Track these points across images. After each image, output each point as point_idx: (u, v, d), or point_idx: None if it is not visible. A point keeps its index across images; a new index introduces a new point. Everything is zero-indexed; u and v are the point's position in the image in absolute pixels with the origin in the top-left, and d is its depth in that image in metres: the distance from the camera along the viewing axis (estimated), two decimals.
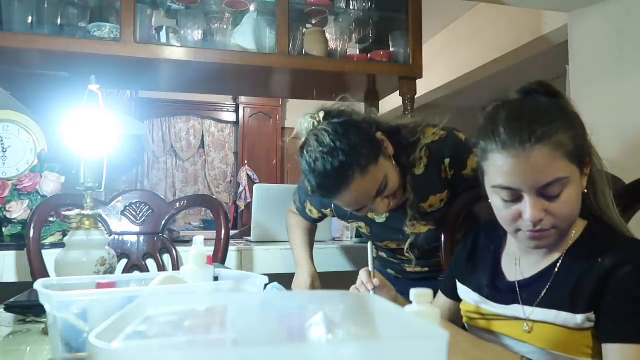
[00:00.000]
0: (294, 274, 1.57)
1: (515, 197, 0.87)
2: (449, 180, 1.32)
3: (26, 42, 1.85)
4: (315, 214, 1.54)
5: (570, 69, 2.61)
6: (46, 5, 1.94)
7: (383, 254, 1.52)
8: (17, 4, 1.91)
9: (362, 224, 1.47)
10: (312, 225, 1.64)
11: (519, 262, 0.98)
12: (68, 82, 2.10)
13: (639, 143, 2.07)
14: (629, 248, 0.86)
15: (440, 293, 1.16)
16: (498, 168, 0.87)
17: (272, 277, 1.01)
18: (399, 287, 1.17)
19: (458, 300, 1.10)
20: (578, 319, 0.83)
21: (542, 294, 0.90)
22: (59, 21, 1.97)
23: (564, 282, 0.88)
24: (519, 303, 0.92)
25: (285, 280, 1.30)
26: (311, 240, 1.63)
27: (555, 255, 0.92)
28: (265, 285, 0.92)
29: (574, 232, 0.92)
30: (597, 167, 0.94)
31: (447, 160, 1.30)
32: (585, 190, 0.91)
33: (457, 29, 4.16)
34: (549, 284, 0.90)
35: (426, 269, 1.47)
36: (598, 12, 2.40)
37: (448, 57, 4.20)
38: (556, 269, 0.90)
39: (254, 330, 0.56)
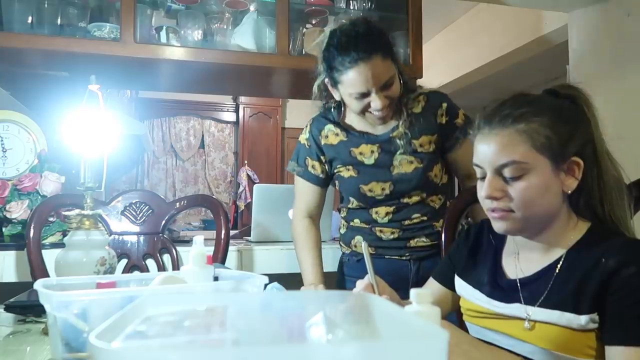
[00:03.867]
0: (294, 274, 1.56)
1: (483, 175, 0.93)
2: (442, 126, 1.47)
3: (26, 42, 1.85)
4: (318, 169, 1.54)
5: (570, 69, 2.61)
6: (46, 5, 1.94)
7: (357, 220, 1.52)
8: (17, 4, 1.91)
9: (350, 168, 1.49)
10: (318, 235, 1.58)
11: (518, 258, 0.98)
12: (68, 82, 2.10)
13: (638, 142, 2.07)
14: (632, 248, 0.86)
15: (432, 280, 1.15)
16: (474, 148, 0.94)
17: (272, 277, 1.01)
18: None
19: (451, 288, 1.10)
20: (582, 319, 0.83)
21: (544, 294, 0.89)
22: (59, 21, 1.97)
23: (566, 281, 0.88)
24: (520, 302, 0.92)
25: (285, 280, 1.30)
26: (320, 255, 1.56)
27: (556, 254, 0.92)
28: (265, 285, 0.92)
29: (573, 234, 0.92)
30: (613, 175, 0.93)
31: (444, 105, 1.48)
32: (569, 192, 0.91)
33: (457, 29, 4.16)
34: (550, 283, 0.90)
35: (396, 235, 1.48)
36: (598, 12, 2.41)
37: (448, 57, 4.20)
38: (558, 268, 0.90)
39: (254, 331, 0.56)
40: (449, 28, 4.26)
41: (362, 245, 1.05)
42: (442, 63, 4.23)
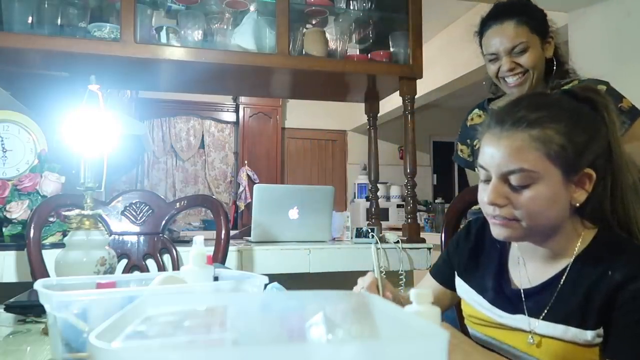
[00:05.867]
0: (294, 274, 1.56)
1: (488, 178, 0.87)
2: None
3: (26, 42, 1.84)
4: (465, 153, 1.73)
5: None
6: (46, 5, 1.94)
7: None
8: (17, 4, 1.91)
9: None
10: None
11: (525, 266, 0.94)
12: (68, 82, 2.10)
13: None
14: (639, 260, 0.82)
15: (429, 276, 1.12)
16: (481, 147, 0.89)
17: (272, 277, 1.01)
18: None
19: (450, 287, 1.07)
20: (588, 335, 0.80)
21: (549, 306, 0.86)
22: (59, 21, 1.97)
23: (571, 294, 0.84)
24: (524, 313, 0.89)
25: (285, 280, 1.30)
26: None
27: (562, 264, 0.88)
28: (265, 285, 0.92)
29: (579, 243, 0.88)
30: (629, 186, 0.89)
31: (601, 87, 1.38)
32: (577, 205, 0.86)
33: (457, 29, 4.16)
34: (555, 295, 0.86)
35: None
36: (598, 12, 2.41)
37: (448, 57, 4.20)
38: (563, 280, 0.86)
39: (254, 331, 0.56)
40: (449, 28, 4.26)
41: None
42: (442, 63, 4.23)
